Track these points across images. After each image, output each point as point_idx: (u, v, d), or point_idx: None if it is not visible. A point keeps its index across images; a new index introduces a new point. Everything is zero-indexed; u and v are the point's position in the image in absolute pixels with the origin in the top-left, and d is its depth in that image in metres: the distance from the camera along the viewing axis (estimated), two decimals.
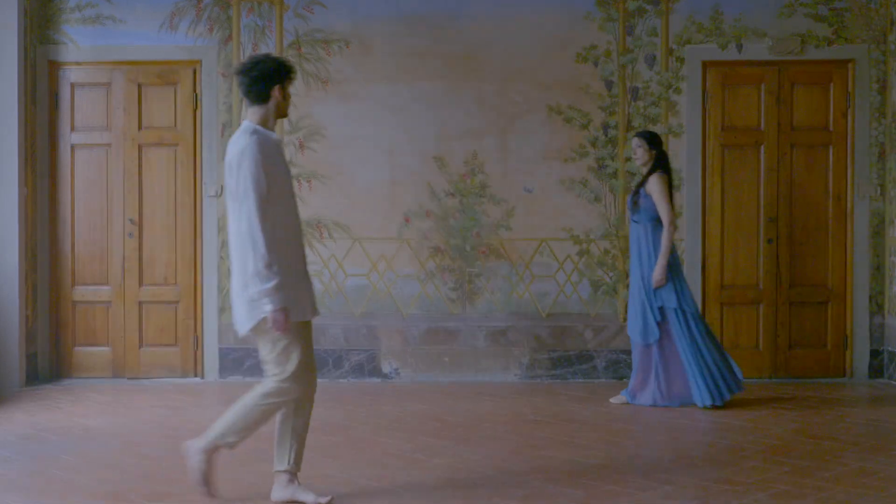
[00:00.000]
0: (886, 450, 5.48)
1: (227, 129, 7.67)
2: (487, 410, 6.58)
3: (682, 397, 6.60)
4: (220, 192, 7.68)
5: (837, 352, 7.70)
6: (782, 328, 7.67)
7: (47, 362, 7.71)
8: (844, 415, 6.51)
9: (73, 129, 7.77)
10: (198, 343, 7.74)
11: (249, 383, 7.50)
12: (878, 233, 7.64)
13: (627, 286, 6.93)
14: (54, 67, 7.74)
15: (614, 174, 7.62)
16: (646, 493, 4.62)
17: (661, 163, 6.69)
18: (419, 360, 7.66)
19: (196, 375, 7.76)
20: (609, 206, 7.63)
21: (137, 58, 7.70)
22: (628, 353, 7.33)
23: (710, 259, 7.66)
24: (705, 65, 7.65)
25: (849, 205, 7.66)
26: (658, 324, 6.57)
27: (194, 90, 7.74)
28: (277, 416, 4.45)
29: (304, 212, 7.08)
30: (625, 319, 7.35)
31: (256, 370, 7.63)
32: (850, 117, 7.65)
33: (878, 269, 7.63)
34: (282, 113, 4.49)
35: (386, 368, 7.65)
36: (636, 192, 6.70)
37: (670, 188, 6.64)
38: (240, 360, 7.65)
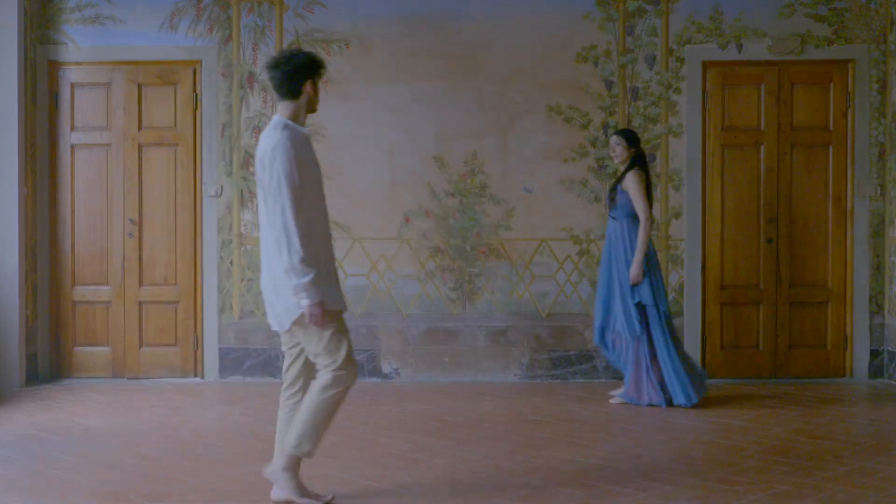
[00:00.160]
0: (886, 450, 5.48)
1: (227, 128, 7.68)
2: (487, 410, 6.58)
3: (652, 397, 6.61)
4: (220, 192, 7.68)
5: (837, 352, 7.70)
6: (782, 328, 7.67)
7: (47, 362, 7.71)
8: (844, 415, 6.51)
9: (73, 129, 7.77)
10: (198, 343, 7.74)
11: (249, 383, 7.54)
12: (878, 233, 7.64)
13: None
14: (54, 67, 7.74)
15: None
16: (646, 493, 4.62)
17: (638, 160, 6.75)
18: (419, 360, 7.66)
19: (196, 375, 7.76)
20: None
21: (137, 58, 7.70)
22: None
23: (710, 259, 7.66)
24: (705, 65, 7.65)
25: (849, 205, 7.66)
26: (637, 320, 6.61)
27: (194, 90, 7.74)
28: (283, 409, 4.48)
29: None
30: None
31: (256, 370, 7.64)
32: (850, 117, 7.65)
33: (878, 269, 7.63)
34: (312, 108, 4.48)
35: (386, 368, 7.65)
36: (613, 189, 6.79)
37: (647, 185, 6.71)
38: (240, 360, 7.64)
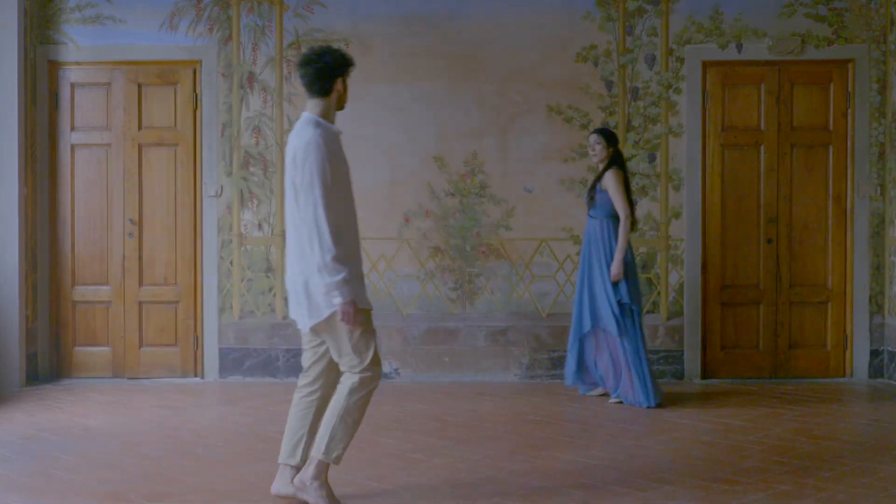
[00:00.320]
0: (886, 450, 5.48)
1: (227, 129, 7.68)
2: (487, 410, 6.58)
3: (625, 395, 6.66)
4: (220, 192, 7.68)
5: (837, 352, 7.69)
6: (782, 328, 7.67)
7: (47, 362, 7.71)
8: (844, 415, 6.51)
9: (73, 128, 7.77)
10: (198, 343, 7.74)
11: (249, 383, 7.54)
12: (878, 233, 7.64)
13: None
14: (54, 67, 7.74)
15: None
16: (646, 493, 4.62)
17: (617, 159, 6.77)
18: (419, 360, 7.66)
19: (196, 375, 7.76)
20: None
21: (137, 58, 7.70)
22: None
23: (710, 259, 7.65)
24: (705, 65, 7.64)
25: (849, 205, 7.66)
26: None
27: (194, 90, 7.74)
28: (297, 410, 4.46)
29: None
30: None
31: (256, 370, 7.64)
32: (849, 117, 7.64)
33: (878, 269, 7.63)
34: (342, 105, 4.47)
35: (386, 368, 7.64)
36: (592, 188, 6.80)
37: (626, 184, 6.72)
38: (240, 360, 7.64)
